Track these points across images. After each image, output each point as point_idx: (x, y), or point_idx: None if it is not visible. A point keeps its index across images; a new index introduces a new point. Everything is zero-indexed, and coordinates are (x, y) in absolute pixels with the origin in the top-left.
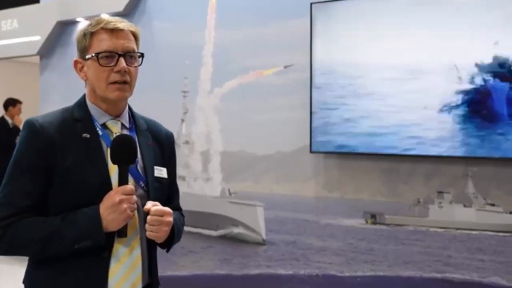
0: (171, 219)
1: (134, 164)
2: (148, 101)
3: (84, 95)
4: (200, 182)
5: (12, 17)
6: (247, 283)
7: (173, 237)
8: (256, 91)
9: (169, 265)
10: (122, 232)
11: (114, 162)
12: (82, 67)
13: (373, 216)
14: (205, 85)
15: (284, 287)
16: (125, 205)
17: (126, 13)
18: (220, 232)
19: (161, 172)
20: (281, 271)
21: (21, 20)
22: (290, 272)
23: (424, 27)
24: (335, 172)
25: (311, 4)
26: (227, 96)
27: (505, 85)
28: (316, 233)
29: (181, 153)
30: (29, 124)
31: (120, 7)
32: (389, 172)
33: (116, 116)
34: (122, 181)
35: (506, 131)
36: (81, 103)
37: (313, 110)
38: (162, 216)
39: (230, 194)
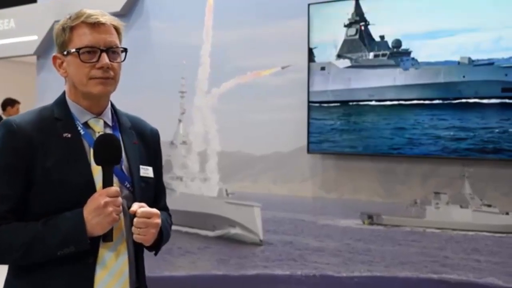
0: (158, 220)
1: (118, 164)
2: (145, 101)
3: (64, 93)
4: (198, 183)
5: (9, 16)
6: (244, 284)
7: (161, 239)
8: (254, 92)
9: (166, 266)
10: (107, 237)
11: (97, 163)
12: (62, 63)
13: (370, 216)
14: (203, 85)
15: (281, 287)
16: (110, 208)
17: (124, 13)
18: (217, 232)
19: (147, 171)
20: (278, 272)
21: (18, 20)
22: (287, 272)
23: (422, 27)
24: (333, 173)
25: (308, 5)
26: (224, 96)
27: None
28: (313, 234)
29: (178, 153)
30: (6, 124)
31: (118, 7)
32: (386, 173)
33: (98, 114)
34: (107, 182)
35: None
36: (61, 101)
37: (310, 110)
38: (149, 218)
39: (227, 194)
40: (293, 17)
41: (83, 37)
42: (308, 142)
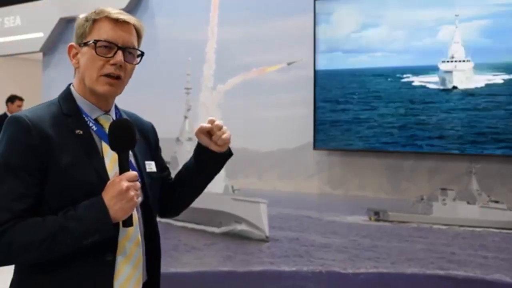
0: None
1: (134, 147)
2: (151, 97)
3: (69, 87)
4: None
5: (15, 14)
6: (250, 280)
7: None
8: (260, 88)
9: (172, 262)
10: (128, 222)
11: (113, 149)
12: (76, 53)
13: (376, 213)
14: (208, 81)
15: (287, 283)
16: (132, 192)
17: (129, 9)
18: (224, 229)
19: (151, 166)
20: (284, 268)
21: (24, 17)
22: (293, 268)
23: (427, 22)
24: (339, 169)
25: (314, 1)
26: (230, 93)
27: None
28: (319, 230)
29: (184, 150)
30: (17, 120)
31: (123, 3)
32: (392, 169)
33: (106, 111)
34: (123, 168)
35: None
36: (67, 96)
37: (316, 106)
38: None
39: (233, 191)
40: (299, 13)
41: (103, 31)
42: (314, 139)
